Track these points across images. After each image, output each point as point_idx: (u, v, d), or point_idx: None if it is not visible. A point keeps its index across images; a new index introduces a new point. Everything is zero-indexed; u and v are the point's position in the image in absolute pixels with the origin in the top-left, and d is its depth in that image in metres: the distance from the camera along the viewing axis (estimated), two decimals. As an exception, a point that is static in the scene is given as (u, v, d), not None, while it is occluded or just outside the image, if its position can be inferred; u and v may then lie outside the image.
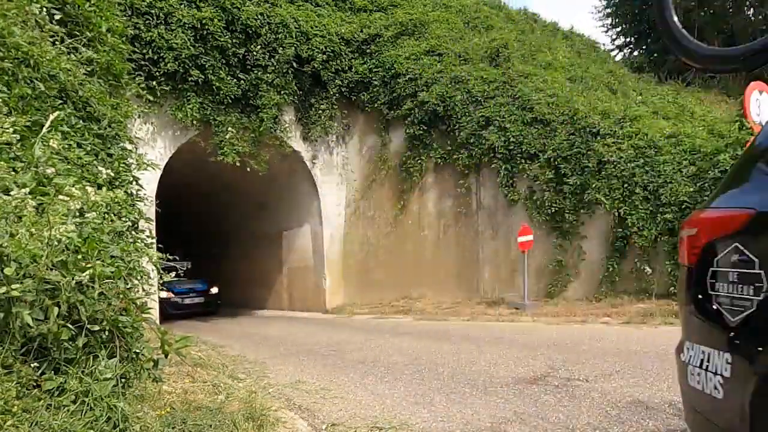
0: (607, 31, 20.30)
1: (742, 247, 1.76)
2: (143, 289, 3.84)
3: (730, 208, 1.95)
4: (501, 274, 11.01)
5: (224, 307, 17.64)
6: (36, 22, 4.86)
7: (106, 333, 2.95)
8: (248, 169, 12.25)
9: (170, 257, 4.21)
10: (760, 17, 17.16)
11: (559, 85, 11.23)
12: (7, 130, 3.28)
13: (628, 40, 19.86)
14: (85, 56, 5.46)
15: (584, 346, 6.47)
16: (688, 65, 2.11)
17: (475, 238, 11.42)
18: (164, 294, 13.34)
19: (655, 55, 18.32)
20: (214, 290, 16.33)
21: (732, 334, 1.77)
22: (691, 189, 8.44)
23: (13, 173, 3.21)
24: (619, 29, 20.23)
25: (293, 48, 12.25)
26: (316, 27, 12.80)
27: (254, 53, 11.87)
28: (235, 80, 11.74)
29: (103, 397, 2.74)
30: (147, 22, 10.55)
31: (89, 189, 3.20)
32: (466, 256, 11.52)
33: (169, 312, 13.99)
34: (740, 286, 1.74)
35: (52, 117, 3.71)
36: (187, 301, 15.27)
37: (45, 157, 3.48)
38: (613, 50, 19.17)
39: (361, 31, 13.46)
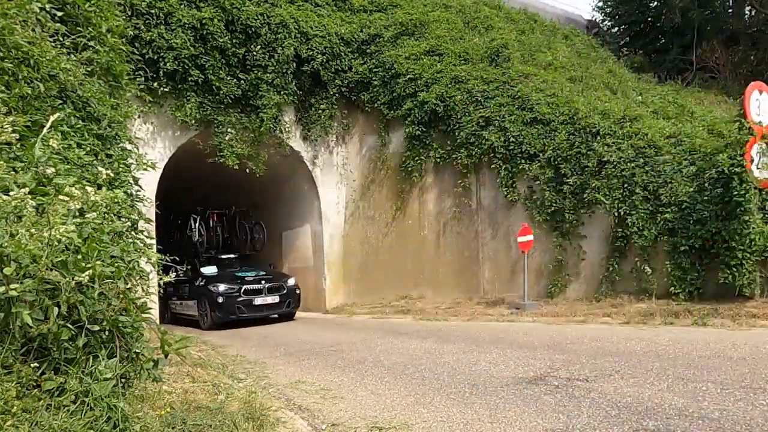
0: (605, 29, 20.31)
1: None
2: (143, 289, 3.84)
3: None
4: (501, 274, 11.00)
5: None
6: (37, 20, 4.86)
7: (106, 333, 2.95)
8: (247, 171, 12.26)
9: (169, 258, 4.20)
10: (761, 17, 17.14)
11: (559, 85, 11.22)
12: (6, 130, 3.28)
13: (626, 39, 19.87)
14: (85, 56, 5.47)
15: (584, 346, 6.47)
16: None
17: (475, 237, 11.42)
18: (222, 288, 11.61)
19: (656, 54, 18.33)
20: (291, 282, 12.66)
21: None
22: (691, 189, 8.43)
23: (13, 173, 3.21)
24: (616, 29, 20.24)
25: (293, 48, 12.24)
26: (316, 27, 12.79)
27: (254, 53, 11.86)
28: (235, 80, 11.73)
29: (103, 397, 2.74)
30: (147, 22, 10.54)
31: (89, 189, 3.19)
32: (466, 256, 11.52)
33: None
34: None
35: (52, 118, 3.70)
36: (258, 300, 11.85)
37: (45, 157, 3.48)
38: (610, 42, 19.16)
39: (361, 32, 13.45)
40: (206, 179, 15.02)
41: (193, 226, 14.46)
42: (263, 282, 11.84)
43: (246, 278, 11.89)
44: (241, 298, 11.45)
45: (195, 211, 14.81)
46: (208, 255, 13.75)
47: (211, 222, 14.78)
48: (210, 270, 12.50)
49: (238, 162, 11.91)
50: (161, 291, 13.12)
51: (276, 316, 12.02)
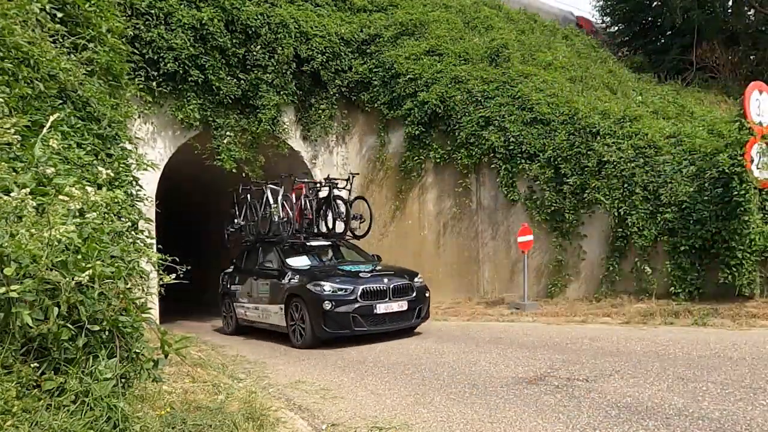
0: (605, 29, 20.33)
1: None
2: (143, 289, 3.84)
3: None
4: (501, 274, 11.00)
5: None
6: (37, 20, 4.86)
7: (106, 333, 2.95)
8: (243, 175, 12.24)
9: (170, 257, 4.19)
10: (761, 17, 17.13)
11: (559, 85, 11.22)
12: (9, 131, 3.28)
13: (626, 39, 19.88)
14: (85, 56, 5.47)
15: (584, 346, 6.47)
16: None
17: (475, 237, 11.42)
18: (328, 288, 7.92)
19: (656, 54, 18.33)
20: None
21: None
22: (691, 189, 8.43)
23: (13, 173, 3.21)
24: (615, 29, 20.23)
25: (293, 48, 12.24)
26: (316, 27, 12.79)
27: (254, 53, 11.86)
28: (234, 80, 11.73)
29: (103, 397, 2.74)
30: (147, 22, 10.53)
31: (89, 189, 3.19)
32: (466, 256, 11.51)
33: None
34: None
35: (52, 118, 3.70)
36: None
37: (45, 157, 3.48)
38: (609, 41, 19.20)
39: (361, 31, 13.45)
40: (206, 179, 15.03)
41: (272, 201, 10.43)
42: (385, 280, 8.14)
43: (360, 274, 8.28)
44: (358, 304, 7.76)
45: (275, 181, 11.01)
46: (294, 241, 9.71)
47: (298, 196, 10.31)
48: (300, 262, 9.06)
49: (236, 166, 11.89)
50: (223, 287, 10.53)
51: (392, 328, 8.10)
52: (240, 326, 10.17)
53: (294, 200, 10.22)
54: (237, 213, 11.70)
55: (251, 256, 10.39)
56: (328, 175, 10.90)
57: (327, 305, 7.73)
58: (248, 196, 11.38)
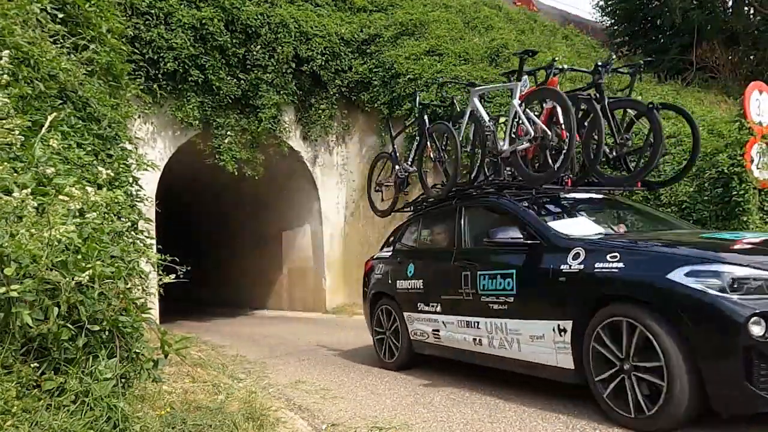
0: (605, 29, 20.32)
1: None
2: (143, 289, 3.84)
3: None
4: (501, 274, 10.95)
5: (224, 307, 17.66)
6: (37, 20, 4.86)
7: (106, 333, 2.95)
8: (246, 175, 12.26)
9: (170, 257, 4.19)
10: (760, 18, 17.13)
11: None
12: (12, 132, 3.28)
13: (624, 38, 19.89)
14: (85, 56, 5.47)
15: (584, 346, 6.45)
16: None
17: (475, 238, 11.38)
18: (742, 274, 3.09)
19: (656, 54, 18.33)
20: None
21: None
22: (691, 189, 8.43)
23: (13, 173, 3.21)
24: (615, 29, 20.24)
25: (293, 48, 12.26)
26: (316, 27, 12.81)
27: (254, 53, 11.87)
28: (234, 80, 11.74)
29: (103, 397, 2.74)
30: (147, 22, 10.55)
31: (89, 189, 3.20)
32: (466, 256, 11.47)
33: None
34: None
35: (50, 118, 3.71)
36: None
37: (45, 157, 3.49)
38: (608, 40, 19.22)
39: (361, 31, 13.46)
40: (206, 178, 15.04)
41: (486, 117, 5.76)
42: None
43: None
44: None
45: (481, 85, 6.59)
46: (551, 188, 4.99)
47: (553, 107, 5.21)
48: (578, 227, 4.47)
49: (237, 167, 11.92)
50: (372, 285, 6.11)
51: None
52: (416, 354, 5.76)
53: (555, 114, 5.20)
54: (396, 155, 7.27)
55: (435, 227, 5.97)
56: (598, 63, 5.77)
57: (756, 328, 3.00)
58: (425, 118, 6.72)
